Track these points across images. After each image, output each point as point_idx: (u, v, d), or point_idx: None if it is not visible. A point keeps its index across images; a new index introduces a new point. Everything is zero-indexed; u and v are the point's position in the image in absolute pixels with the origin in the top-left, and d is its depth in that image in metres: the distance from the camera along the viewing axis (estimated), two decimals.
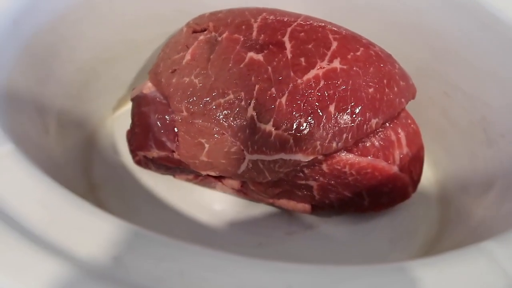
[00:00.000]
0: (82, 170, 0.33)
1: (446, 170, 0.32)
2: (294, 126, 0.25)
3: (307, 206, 0.30)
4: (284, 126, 0.25)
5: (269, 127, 0.25)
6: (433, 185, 0.33)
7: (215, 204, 0.32)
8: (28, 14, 0.26)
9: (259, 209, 0.32)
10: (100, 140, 0.35)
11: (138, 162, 0.31)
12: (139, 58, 0.36)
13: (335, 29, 0.27)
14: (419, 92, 0.29)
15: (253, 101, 0.25)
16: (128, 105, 0.37)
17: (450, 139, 0.32)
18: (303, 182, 0.28)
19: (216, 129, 0.26)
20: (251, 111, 0.25)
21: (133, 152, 0.31)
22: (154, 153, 0.29)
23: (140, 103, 0.30)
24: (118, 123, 0.36)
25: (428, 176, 0.33)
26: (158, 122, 0.28)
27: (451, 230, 0.28)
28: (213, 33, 0.29)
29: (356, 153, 0.27)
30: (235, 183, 0.30)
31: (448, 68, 0.30)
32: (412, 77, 0.29)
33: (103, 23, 0.31)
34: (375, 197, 0.29)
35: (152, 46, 0.36)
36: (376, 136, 0.27)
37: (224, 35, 0.28)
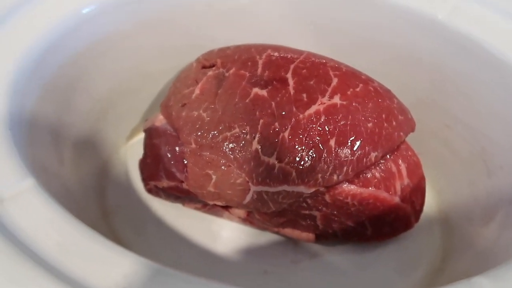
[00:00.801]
0: (95, 197, 0.34)
1: (448, 199, 0.32)
2: (297, 159, 0.26)
3: (311, 235, 0.31)
4: (287, 159, 0.26)
5: (272, 160, 0.26)
6: (436, 214, 0.33)
7: (222, 232, 0.33)
8: (52, 51, 0.28)
9: (265, 237, 0.33)
10: (113, 168, 0.37)
11: (150, 191, 0.33)
12: (153, 89, 0.38)
13: (336, 65, 0.28)
14: (421, 124, 0.30)
15: (257, 135, 0.27)
16: (141, 134, 0.39)
17: (452, 169, 0.32)
18: (307, 212, 0.28)
19: (223, 161, 0.27)
20: (255, 145, 0.27)
21: (144, 181, 0.33)
22: (165, 183, 0.30)
23: (152, 135, 0.31)
24: (132, 152, 0.38)
25: (431, 205, 0.34)
26: (168, 154, 0.30)
27: (455, 259, 0.29)
28: (221, 69, 0.30)
29: (358, 185, 0.27)
30: (241, 212, 0.31)
31: (448, 101, 0.31)
32: (413, 109, 0.30)
33: (120, 58, 0.34)
34: (377, 227, 0.29)
35: (165, 78, 0.38)
36: (377, 167, 0.28)
37: (231, 71, 0.30)
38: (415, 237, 0.32)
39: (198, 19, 0.34)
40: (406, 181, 0.29)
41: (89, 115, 0.33)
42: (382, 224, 0.29)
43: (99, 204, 0.34)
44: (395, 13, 0.30)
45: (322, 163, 0.26)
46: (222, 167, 0.27)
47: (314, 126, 0.26)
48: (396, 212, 0.29)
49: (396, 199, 0.29)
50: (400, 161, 0.29)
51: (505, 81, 0.28)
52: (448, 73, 0.30)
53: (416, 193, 0.30)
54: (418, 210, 0.30)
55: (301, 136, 0.26)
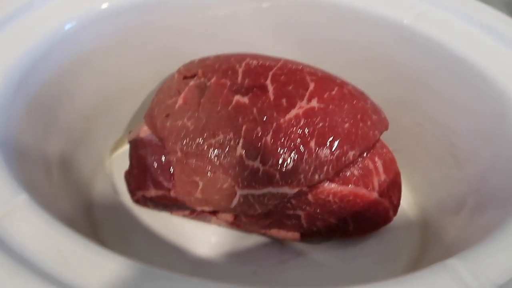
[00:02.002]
0: (84, 211, 0.35)
1: (423, 194, 0.34)
2: (279, 162, 0.27)
3: (296, 234, 0.32)
4: (270, 162, 0.27)
5: (256, 163, 0.27)
6: (413, 208, 0.35)
7: (210, 237, 0.34)
8: (36, 69, 0.29)
9: (252, 239, 0.34)
10: (99, 181, 0.37)
11: (137, 201, 0.34)
12: (134, 102, 0.38)
13: (312, 71, 0.30)
14: (394, 123, 0.31)
15: (241, 141, 0.28)
16: (125, 147, 0.40)
17: (425, 164, 0.34)
18: (291, 212, 0.30)
19: (208, 167, 0.28)
20: (239, 150, 0.28)
21: (132, 191, 0.33)
22: (152, 192, 0.31)
23: (137, 146, 0.32)
24: (116, 164, 0.39)
25: (408, 200, 0.35)
26: (155, 163, 0.30)
27: (430, 249, 0.30)
28: (203, 79, 0.32)
29: (338, 183, 0.29)
30: (229, 217, 0.32)
31: (418, 100, 0.33)
32: (386, 109, 0.32)
33: (102, 72, 0.34)
34: (358, 222, 0.31)
35: (145, 90, 0.38)
36: (356, 166, 0.29)
37: (213, 80, 0.31)
38: (394, 231, 0.34)
39: (178, 30, 0.35)
40: (383, 177, 0.30)
41: (74, 130, 0.34)
42: (363, 219, 0.31)
43: (88, 217, 0.34)
44: (366, 19, 0.32)
45: (304, 164, 0.27)
46: (208, 173, 0.29)
47: (294, 129, 0.27)
48: (375, 207, 0.30)
49: (375, 195, 0.30)
50: (376, 158, 0.30)
51: (468, 79, 0.30)
52: (417, 73, 0.32)
53: (393, 188, 0.31)
54: (395, 204, 0.32)
55: (282, 140, 0.27)
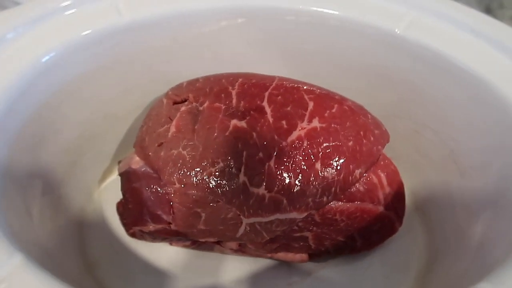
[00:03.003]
0: (75, 249, 0.33)
1: (426, 201, 0.34)
2: (286, 187, 0.26)
3: (304, 256, 0.31)
4: (276, 188, 0.26)
5: (261, 190, 0.26)
6: (416, 216, 0.35)
7: (216, 266, 0.32)
8: (15, 105, 0.27)
9: (258, 264, 0.33)
10: (90, 215, 0.35)
11: (133, 235, 0.32)
12: (120, 130, 0.37)
13: (309, 89, 0.29)
14: (391, 132, 0.31)
15: (243, 167, 0.27)
16: (114, 176, 0.38)
17: (426, 173, 0.34)
18: (299, 234, 0.29)
19: (210, 197, 0.27)
20: (242, 177, 0.26)
21: (127, 226, 0.31)
22: (151, 226, 0.29)
23: (130, 179, 0.30)
24: (106, 195, 0.37)
25: (411, 208, 0.35)
26: (151, 196, 0.29)
27: (440, 259, 0.30)
28: (194, 103, 0.30)
29: (344, 201, 0.28)
30: (233, 244, 0.30)
31: (414, 109, 0.33)
32: (383, 119, 0.31)
33: (84, 103, 0.32)
34: (366, 237, 0.30)
35: (131, 117, 0.37)
36: (360, 181, 0.29)
37: (205, 105, 0.29)
38: (399, 242, 0.33)
39: (161, 53, 0.34)
40: (387, 189, 0.30)
41: (59, 164, 0.32)
42: (370, 234, 0.30)
43: (81, 256, 0.32)
44: (357, 30, 0.31)
45: (311, 187, 0.26)
46: (211, 203, 0.27)
47: (298, 151, 0.26)
48: (382, 220, 0.30)
49: (381, 208, 0.30)
50: (380, 171, 0.30)
51: (463, 85, 0.30)
52: (412, 82, 0.32)
53: (397, 199, 0.31)
54: (400, 216, 0.32)
55: (287, 163, 0.26)
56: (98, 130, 0.34)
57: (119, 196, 0.31)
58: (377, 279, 0.32)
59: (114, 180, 0.38)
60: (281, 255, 0.31)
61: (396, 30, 0.30)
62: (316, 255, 0.31)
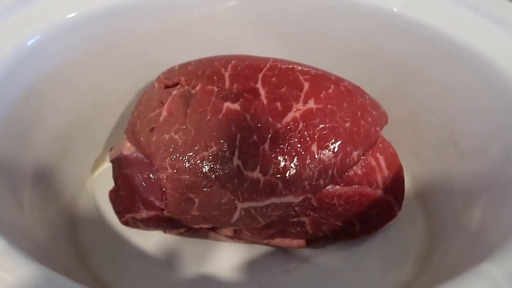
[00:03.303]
0: (68, 239, 0.32)
1: (425, 185, 0.33)
2: (281, 170, 0.25)
3: (301, 242, 0.30)
4: (271, 171, 0.25)
5: (256, 174, 0.25)
6: (416, 200, 0.34)
7: (211, 254, 0.32)
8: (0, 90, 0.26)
9: (254, 250, 0.32)
10: (82, 204, 0.34)
11: (126, 223, 0.31)
12: (112, 116, 0.36)
13: (304, 69, 0.28)
14: (388, 113, 0.30)
15: (236, 151, 0.26)
16: (106, 164, 0.37)
17: (424, 155, 0.33)
18: (295, 219, 0.28)
19: (204, 182, 0.26)
20: (236, 161, 0.26)
21: (119, 213, 0.31)
22: (143, 213, 0.29)
23: (121, 165, 0.29)
24: (98, 183, 0.36)
25: (410, 193, 0.34)
26: (143, 183, 0.28)
27: (440, 243, 0.29)
28: (186, 87, 0.29)
29: (341, 184, 0.27)
30: (228, 230, 0.30)
31: (412, 89, 0.32)
32: (379, 100, 0.30)
33: (73, 88, 0.31)
34: (364, 221, 0.30)
35: (123, 103, 0.36)
36: (358, 164, 0.28)
37: (198, 88, 0.28)
38: (398, 227, 0.33)
39: (151, 37, 0.33)
40: (386, 172, 0.29)
41: (48, 153, 0.31)
42: (369, 218, 0.30)
43: (73, 246, 0.32)
44: (353, 9, 0.30)
45: (307, 170, 0.25)
46: (204, 188, 0.26)
47: (293, 133, 0.26)
48: (380, 204, 0.29)
49: (379, 192, 0.29)
50: (378, 154, 0.29)
51: (463, 63, 0.29)
52: (409, 61, 0.31)
53: (396, 183, 0.30)
54: (399, 199, 0.31)
55: (282, 146, 0.25)
56: (89, 117, 0.33)
57: (112, 184, 0.30)
58: (376, 264, 0.31)
59: (106, 168, 0.37)
60: (278, 241, 0.30)
61: (394, 9, 0.29)
62: (314, 241, 0.30)
